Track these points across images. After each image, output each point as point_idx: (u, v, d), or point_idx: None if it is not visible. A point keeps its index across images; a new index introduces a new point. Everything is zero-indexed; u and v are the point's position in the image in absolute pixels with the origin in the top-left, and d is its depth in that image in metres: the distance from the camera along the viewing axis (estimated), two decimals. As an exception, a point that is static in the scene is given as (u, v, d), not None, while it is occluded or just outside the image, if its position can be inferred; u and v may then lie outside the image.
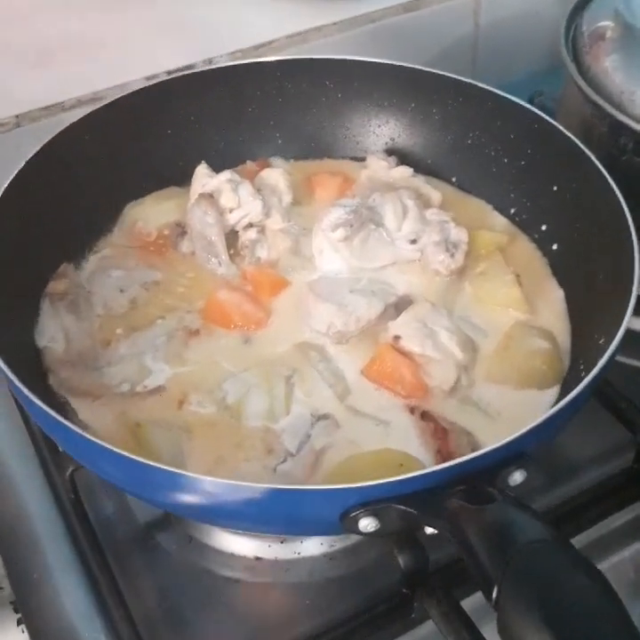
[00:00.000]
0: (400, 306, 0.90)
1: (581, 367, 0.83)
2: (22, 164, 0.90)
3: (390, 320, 0.88)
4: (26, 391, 0.69)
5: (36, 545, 0.86)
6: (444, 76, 1.04)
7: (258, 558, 0.85)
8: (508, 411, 0.83)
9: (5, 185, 0.87)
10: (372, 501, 0.63)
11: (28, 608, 0.83)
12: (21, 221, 0.89)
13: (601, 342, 0.81)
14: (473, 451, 0.77)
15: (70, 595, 0.82)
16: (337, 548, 0.85)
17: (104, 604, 0.80)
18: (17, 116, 1.15)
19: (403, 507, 0.63)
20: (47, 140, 0.93)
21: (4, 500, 0.90)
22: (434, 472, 0.63)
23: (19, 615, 0.84)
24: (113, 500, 0.89)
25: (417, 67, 1.04)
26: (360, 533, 0.65)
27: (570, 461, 0.91)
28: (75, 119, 0.97)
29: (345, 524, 0.64)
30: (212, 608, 0.82)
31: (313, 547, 0.85)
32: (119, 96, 1.01)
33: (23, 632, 0.83)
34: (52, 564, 0.85)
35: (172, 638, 0.80)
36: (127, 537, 0.87)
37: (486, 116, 1.03)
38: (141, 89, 1.03)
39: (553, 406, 0.81)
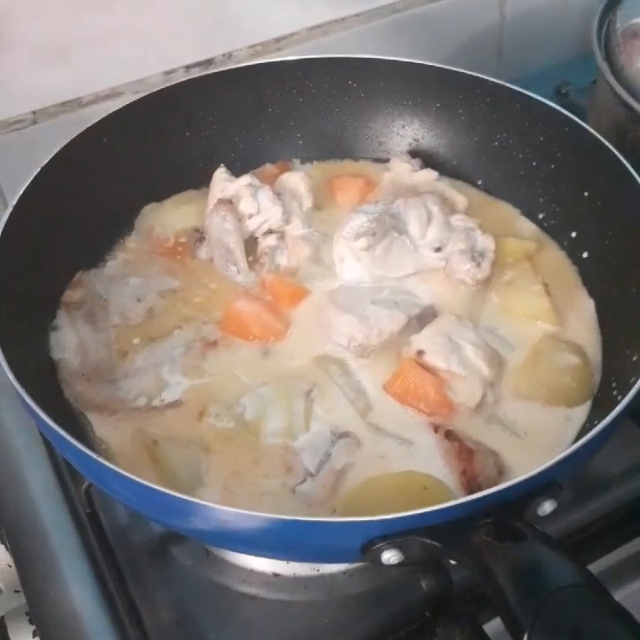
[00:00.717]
0: (424, 318, 0.87)
1: (613, 385, 0.80)
2: (38, 169, 0.88)
3: (413, 333, 0.85)
4: (39, 410, 0.68)
5: (52, 558, 0.85)
6: (471, 75, 1.00)
7: (276, 574, 0.83)
8: (536, 429, 0.81)
9: (20, 191, 0.86)
10: (395, 534, 0.61)
11: (43, 621, 0.82)
12: (37, 228, 0.87)
13: (634, 359, 0.79)
14: (499, 472, 0.76)
15: (86, 609, 0.81)
16: (357, 565, 0.83)
17: (119, 619, 0.79)
18: (34, 113, 1.13)
19: (427, 540, 0.61)
20: (63, 145, 0.91)
21: (21, 513, 0.89)
22: (460, 504, 0.61)
23: (34, 627, 0.83)
24: (129, 514, 0.87)
25: (443, 66, 1.01)
26: (382, 565, 0.63)
27: (596, 480, 0.88)
28: (92, 114, 0.96)
29: (367, 556, 0.62)
30: (229, 624, 0.80)
31: (332, 564, 0.83)
32: (137, 98, 0.99)
33: (39, 644, 0.82)
34: (67, 578, 0.83)
35: (189, 656, 0.79)
36: (143, 551, 0.86)
37: (515, 118, 1.00)
38: (159, 90, 1.01)
39: (583, 424, 0.80)
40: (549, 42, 1.44)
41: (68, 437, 0.66)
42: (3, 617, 0.89)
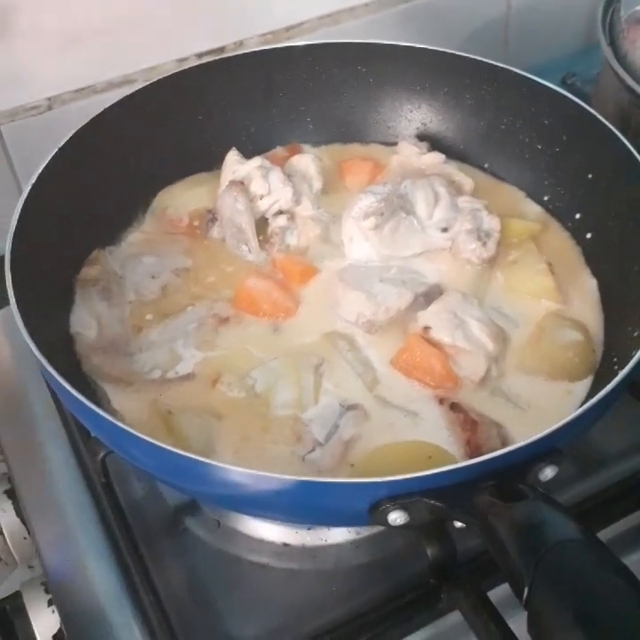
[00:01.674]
0: (430, 295, 0.89)
1: (614, 360, 0.82)
2: (54, 151, 0.90)
3: (420, 310, 0.87)
4: (59, 378, 0.70)
5: (67, 528, 0.87)
6: (478, 60, 1.02)
7: (285, 544, 0.85)
8: (539, 402, 0.83)
9: (38, 172, 0.88)
10: (401, 495, 0.63)
11: (59, 590, 0.84)
12: (54, 207, 0.89)
13: (635, 335, 0.80)
14: (502, 443, 0.78)
15: (101, 578, 0.83)
16: (363, 535, 0.86)
17: (134, 588, 0.81)
18: (49, 99, 1.15)
19: (432, 501, 0.63)
20: (78, 128, 0.93)
21: (36, 484, 0.91)
22: (465, 467, 0.63)
23: (50, 596, 0.85)
24: (143, 485, 0.90)
25: (451, 51, 1.03)
26: (389, 526, 0.65)
27: (599, 454, 0.90)
28: (106, 101, 0.97)
29: (374, 516, 0.64)
30: (240, 593, 0.83)
31: (340, 534, 0.85)
32: (149, 82, 1.01)
33: (54, 613, 0.84)
34: (83, 547, 0.86)
35: (201, 622, 0.81)
36: (157, 521, 0.88)
37: (521, 102, 1.01)
38: (172, 75, 1.02)
39: (585, 398, 0.82)
40: (556, 33, 1.45)
41: (89, 404, 0.68)
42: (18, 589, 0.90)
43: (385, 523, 0.64)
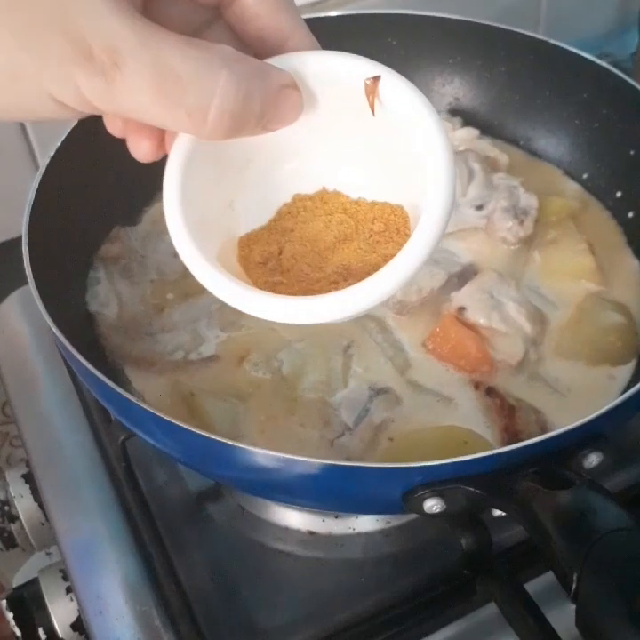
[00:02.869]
0: (464, 276, 0.86)
1: (660, 343, 0.79)
2: (74, 123, 0.87)
3: (454, 291, 0.84)
4: (81, 358, 0.67)
5: (87, 514, 0.85)
6: (514, 31, 0.98)
7: (311, 533, 0.82)
8: (579, 387, 0.79)
9: (57, 145, 0.85)
10: (438, 481, 0.60)
11: (78, 577, 0.82)
12: (73, 183, 0.86)
13: (681, 317, 0.77)
14: (541, 429, 0.74)
15: (121, 565, 0.81)
16: (393, 525, 0.82)
17: (155, 576, 0.79)
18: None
19: (471, 488, 0.59)
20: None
21: (54, 469, 0.89)
22: (506, 452, 0.60)
23: (68, 583, 0.83)
24: (165, 470, 0.87)
25: (485, 22, 0.99)
26: (424, 514, 0.62)
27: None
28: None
29: (408, 504, 0.61)
30: (265, 581, 0.80)
31: (368, 523, 0.82)
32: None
33: (72, 600, 0.82)
34: (102, 534, 0.83)
35: (224, 611, 0.78)
36: (179, 507, 0.85)
37: (558, 75, 0.97)
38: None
39: (628, 383, 0.78)
40: (589, 13, 1.41)
41: (112, 384, 0.66)
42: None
43: (420, 510, 0.61)
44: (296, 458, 0.60)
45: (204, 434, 0.61)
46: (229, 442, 0.61)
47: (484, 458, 0.60)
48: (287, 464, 0.61)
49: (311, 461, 0.60)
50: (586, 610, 0.50)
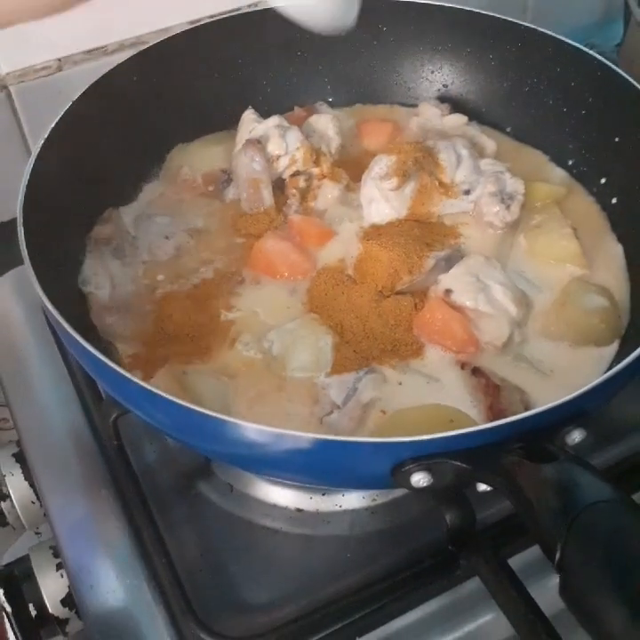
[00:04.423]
0: (452, 259, 0.87)
1: (642, 325, 0.81)
2: (68, 105, 0.88)
3: (441, 273, 0.85)
4: (75, 335, 0.68)
5: (78, 491, 0.86)
6: (503, 19, 1.00)
7: (299, 510, 0.84)
8: (563, 368, 0.81)
9: (51, 126, 0.86)
10: (426, 456, 0.61)
11: (68, 553, 0.83)
12: (66, 165, 0.87)
13: (663, 300, 0.79)
14: (525, 408, 0.76)
15: (112, 541, 0.82)
16: (379, 502, 0.84)
17: (146, 550, 0.80)
18: (59, 60, 1.13)
19: (457, 462, 0.61)
20: (93, 82, 0.91)
21: (46, 448, 0.90)
22: (492, 428, 0.61)
23: (58, 560, 0.84)
24: (155, 449, 0.88)
25: (474, 10, 1.00)
26: (411, 488, 0.63)
27: (624, 421, 0.88)
28: (117, 62, 0.95)
29: (397, 478, 0.63)
30: (253, 557, 0.81)
31: (354, 500, 0.84)
32: (165, 37, 0.98)
33: (62, 577, 0.83)
34: (94, 510, 0.84)
35: (213, 586, 0.80)
36: (169, 485, 0.86)
37: (546, 63, 0.99)
38: (188, 30, 1.00)
39: (610, 365, 0.80)
40: (575, 3, 1.42)
41: (106, 360, 0.67)
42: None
43: (408, 484, 0.63)
44: (288, 432, 0.61)
45: (197, 408, 0.62)
46: (222, 416, 0.62)
47: (471, 433, 0.61)
48: (280, 438, 0.62)
49: (305, 436, 0.61)
50: (570, 579, 0.52)
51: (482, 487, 0.64)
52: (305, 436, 0.61)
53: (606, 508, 0.52)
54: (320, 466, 0.66)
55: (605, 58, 0.97)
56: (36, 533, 1.04)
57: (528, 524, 0.56)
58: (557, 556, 0.51)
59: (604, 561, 0.50)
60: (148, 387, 0.64)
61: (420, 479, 0.62)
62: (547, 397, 0.76)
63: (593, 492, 0.54)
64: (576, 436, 0.64)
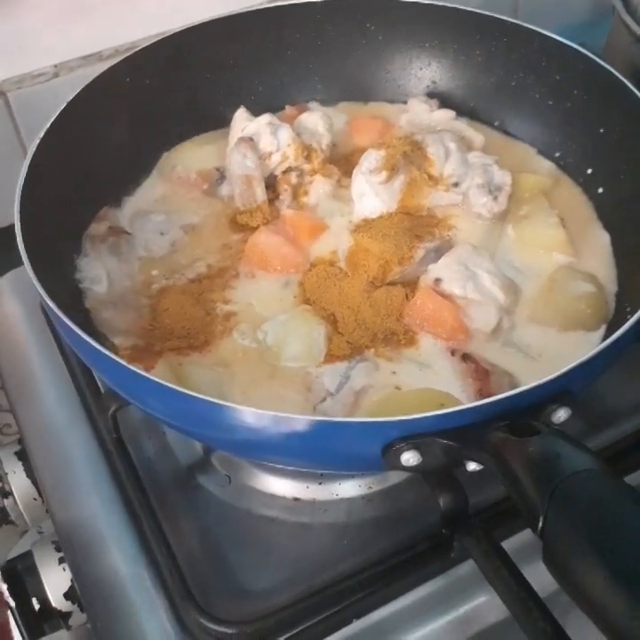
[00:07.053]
0: (441, 249, 0.88)
1: (627, 310, 0.82)
2: (63, 105, 0.90)
3: (431, 263, 0.87)
4: (76, 328, 0.70)
5: (79, 486, 0.87)
6: (487, 15, 1.01)
7: (296, 499, 0.85)
8: (550, 353, 0.82)
9: (46, 127, 0.88)
10: (414, 435, 0.63)
11: (70, 547, 0.84)
12: (62, 164, 0.89)
13: (648, 285, 0.80)
14: (513, 391, 0.77)
15: (113, 534, 0.83)
16: (374, 490, 0.85)
17: (146, 542, 0.81)
18: (56, 66, 1.15)
19: (445, 440, 0.62)
20: (87, 83, 0.93)
21: (47, 444, 0.91)
22: (478, 406, 0.63)
23: (61, 554, 0.85)
24: (154, 442, 0.90)
25: (460, 7, 1.02)
26: (402, 468, 0.65)
27: (613, 406, 0.90)
28: (112, 67, 0.97)
29: (387, 457, 0.64)
30: (252, 547, 0.83)
31: (351, 488, 0.85)
32: (158, 39, 1.00)
33: (65, 571, 0.84)
34: (95, 504, 0.86)
35: (213, 575, 0.81)
36: (169, 477, 0.88)
37: (531, 58, 1.00)
38: (180, 31, 1.02)
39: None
40: (564, 4, 1.44)
41: (106, 351, 0.68)
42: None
43: (398, 464, 0.64)
44: (282, 415, 0.63)
45: (193, 394, 0.64)
46: (218, 401, 0.63)
47: (458, 412, 0.63)
48: (274, 421, 0.64)
49: (298, 417, 0.63)
50: (551, 545, 0.53)
51: (471, 466, 0.66)
52: (299, 418, 0.63)
53: (586, 477, 0.54)
54: (313, 448, 0.67)
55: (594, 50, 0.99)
56: (39, 532, 1.05)
57: (514, 497, 0.58)
58: (540, 523, 0.53)
59: (583, 526, 0.51)
60: (146, 374, 0.66)
61: (409, 458, 0.64)
62: (534, 380, 0.78)
63: (574, 462, 0.56)
64: (561, 415, 0.65)
